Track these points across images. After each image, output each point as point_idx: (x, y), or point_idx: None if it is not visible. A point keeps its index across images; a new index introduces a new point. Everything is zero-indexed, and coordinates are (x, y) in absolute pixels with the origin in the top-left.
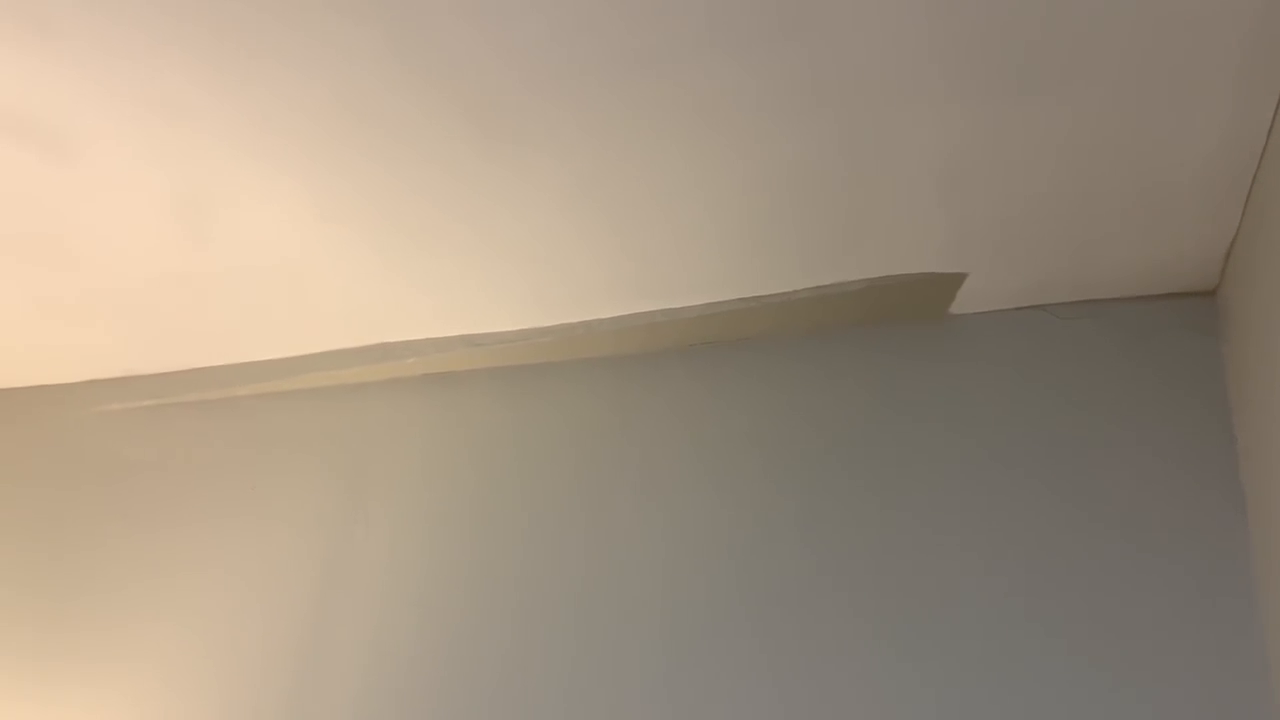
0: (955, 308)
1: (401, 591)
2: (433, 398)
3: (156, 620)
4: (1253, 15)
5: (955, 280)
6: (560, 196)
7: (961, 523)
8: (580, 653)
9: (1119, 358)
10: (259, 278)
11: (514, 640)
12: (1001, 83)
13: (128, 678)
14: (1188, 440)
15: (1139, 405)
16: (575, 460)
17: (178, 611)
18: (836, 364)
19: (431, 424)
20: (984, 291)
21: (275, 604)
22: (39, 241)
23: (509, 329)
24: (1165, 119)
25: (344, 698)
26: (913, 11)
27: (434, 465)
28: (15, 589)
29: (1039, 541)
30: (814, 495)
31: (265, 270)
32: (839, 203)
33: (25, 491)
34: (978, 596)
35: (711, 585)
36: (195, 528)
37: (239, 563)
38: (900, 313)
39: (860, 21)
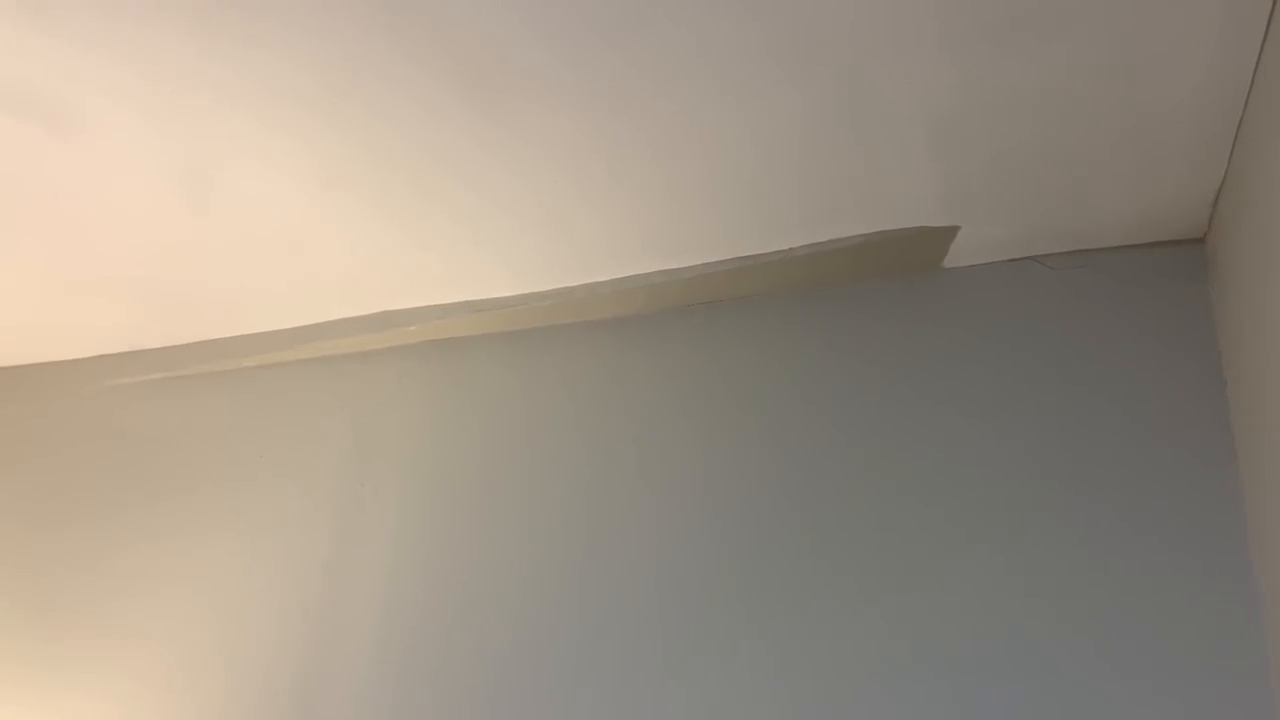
0: (949, 261)
1: (410, 553)
2: (435, 364)
3: (169, 589)
4: None
5: (949, 233)
6: (559, 156)
7: (954, 479)
8: (581, 611)
9: (1110, 307)
10: (262, 247)
11: (518, 599)
12: (991, 31)
13: (144, 646)
14: (1178, 386)
15: (1130, 353)
16: (575, 423)
17: (191, 580)
18: (833, 322)
19: (435, 390)
20: (977, 244)
21: (287, 570)
22: (43, 217)
23: (509, 294)
24: (1150, 64)
25: (356, 659)
26: None
27: (438, 430)
28: (29, 562)
29: (1030, 495)
30: (810, 456)
31: (269, 239)
32: (834, 158)
33: (37, 467)
34: (968, 553)
35: (709, 545)
36: (206, 498)
37: (250, 530)
38: (896, 267)
39: None
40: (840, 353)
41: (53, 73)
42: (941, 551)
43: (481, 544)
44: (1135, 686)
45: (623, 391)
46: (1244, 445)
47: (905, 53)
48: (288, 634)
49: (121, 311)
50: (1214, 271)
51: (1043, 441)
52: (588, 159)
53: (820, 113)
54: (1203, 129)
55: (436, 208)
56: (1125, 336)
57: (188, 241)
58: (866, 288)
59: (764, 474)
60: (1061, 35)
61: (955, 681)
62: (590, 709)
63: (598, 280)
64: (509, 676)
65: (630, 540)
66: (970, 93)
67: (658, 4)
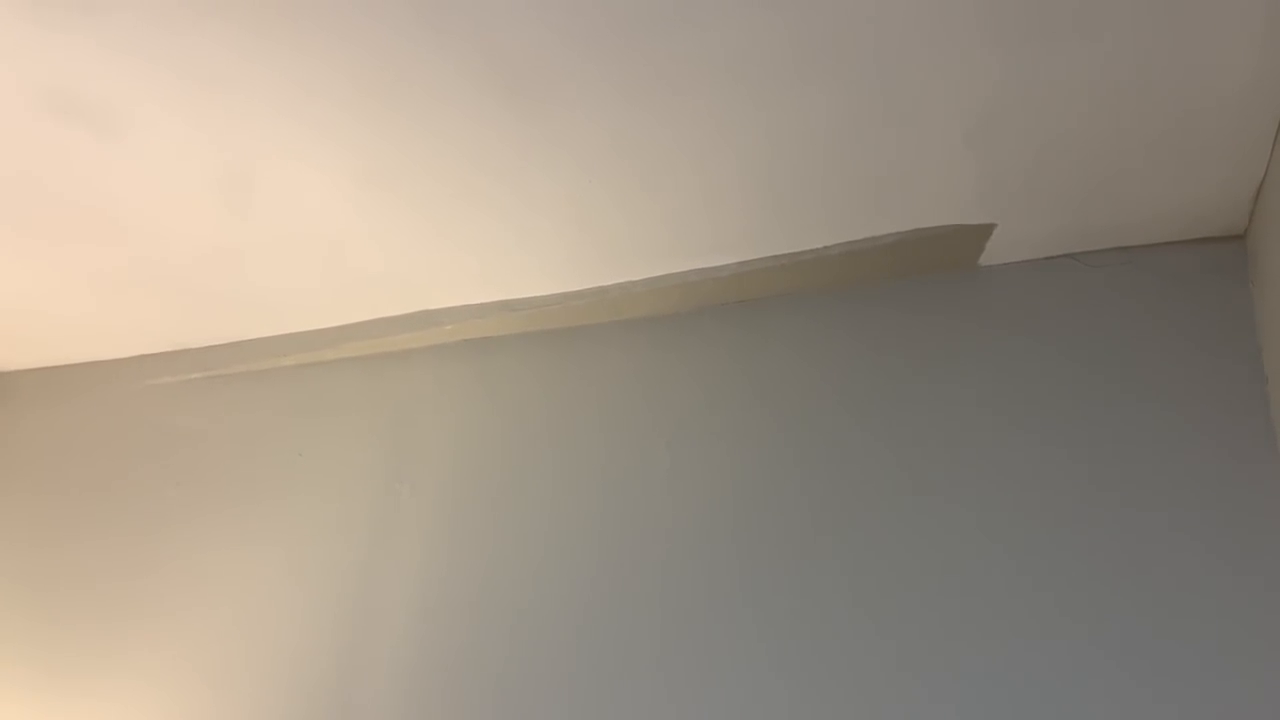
0: (985, 259)
1: (446, 552)
2: (472, 363)
3: (210, 584)
4: None
5: (985, 231)
6: (593, 157)
7: (992, 481)
8: (615, 613)
9: (1149, 304)
10: (302, 248)
11: (550, 599)
12: (1029, 26)
13: (186, 640)
14: (1218, 384)
15: (1169, 351)
16: (609, 423)
17: (231, 575)
18: (868, 321)
19: (471, 389)
20: (1014, 241)
21: (324, 566)
22: (88, 218)
23: (545, 293)
24: (1192, 60)
25: (392, 656)
26: None
27: (475, 428)
28: (74, 557)
29: (1068, 497)
30: (845, 457)
31: (308, 240)
32: (868, 156)
33: (81, 465)
34: (1005, 558)
35: (743, 548)
36: (245, 496)
37: (288, 529)
38: (931, 266)
39: None
40: (875, 353)
41: (97, 77)
42: (979, 555)
43: (515, 544)
44: (1179, 693)
45: (656, 391)
46: None
47: (942, 47)
48: (324, 633)
49: (163, 311)
50: (1254, 268)
51: (1081, 442)
52: (622, 159)
53: (854, 109)
54: (1244, 125)
55: (473, 208)
56: (1164, 334)
57: (228, 242)
58: (902, 286)
59: (798, 476)
60: (1103, 29)
61: (994, 689)
62: (624, 711)
63: (631, 279)
64: (541, 678)
65: (663, 542)
66: (1009, 87)
67: (690, 6)
